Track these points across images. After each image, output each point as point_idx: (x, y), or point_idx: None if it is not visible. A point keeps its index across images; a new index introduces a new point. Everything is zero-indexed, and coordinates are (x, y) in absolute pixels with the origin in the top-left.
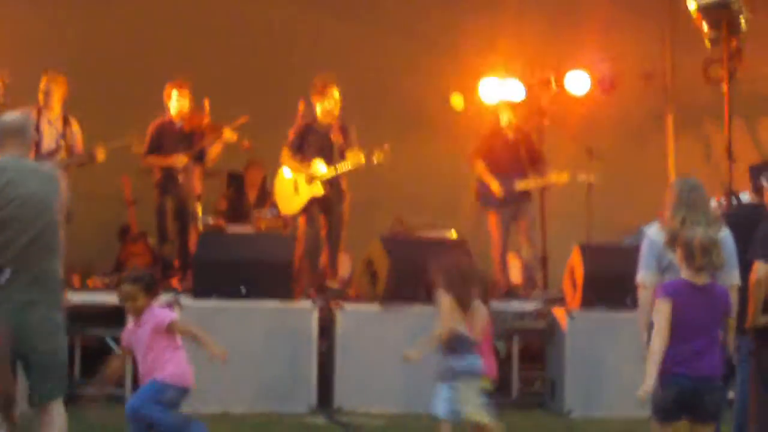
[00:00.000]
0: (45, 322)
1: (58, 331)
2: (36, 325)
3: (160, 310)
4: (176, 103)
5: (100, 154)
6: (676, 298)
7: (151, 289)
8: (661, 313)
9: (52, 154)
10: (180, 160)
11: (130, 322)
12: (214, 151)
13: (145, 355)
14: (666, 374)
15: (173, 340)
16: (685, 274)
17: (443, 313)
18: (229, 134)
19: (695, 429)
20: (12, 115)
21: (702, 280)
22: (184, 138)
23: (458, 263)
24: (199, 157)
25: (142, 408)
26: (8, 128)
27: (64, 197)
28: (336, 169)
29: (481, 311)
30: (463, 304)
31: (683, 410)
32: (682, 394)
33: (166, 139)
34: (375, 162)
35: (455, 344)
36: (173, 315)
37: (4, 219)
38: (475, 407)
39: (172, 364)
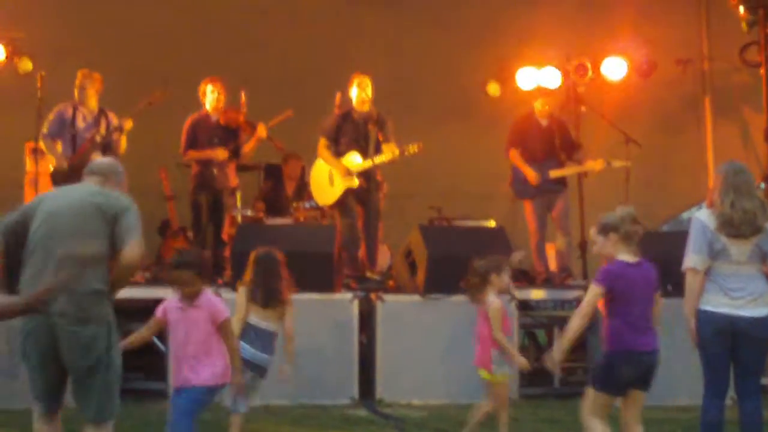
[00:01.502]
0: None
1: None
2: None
3: (216, 300)
4: (210, 97)
5: (127, 124)
6: (616, 282)
7: (206, 273)
8: (593, 296)
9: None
10: (220, 153)
11: (176, 299)
12: (248, 146)
13: (192, 336)
14: (624, 351)
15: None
16: (622, 255)
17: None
18: (261, 131)
19: (638, 397)
20: (102, 159)
21: (635, 257)
22: (220, 132)
23: (267, 258)
24: (235, 152)
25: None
26: (92, 167)
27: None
28: (373, 160)
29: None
30: (265, 298)
31: (636, 383)
32: (642, 370)
33: (202, 132)
34: (407, 154)
35: (243, 335)
36: (227, 313)
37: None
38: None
39: (220, 359)
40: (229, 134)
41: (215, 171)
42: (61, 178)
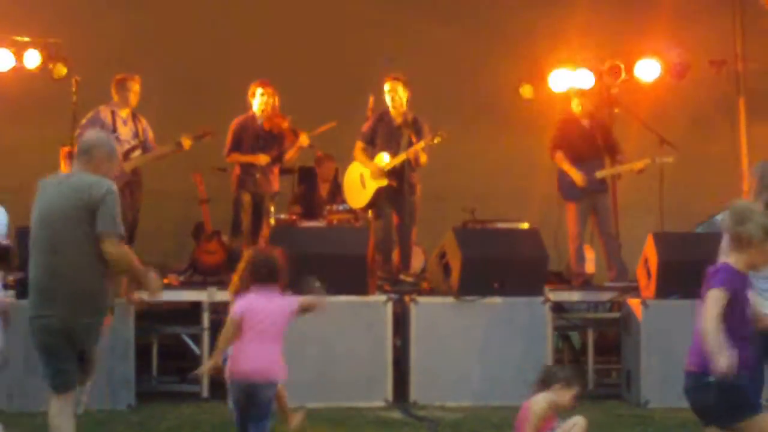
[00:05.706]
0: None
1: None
2: None
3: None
4: (259, 99)
5: (186, 142)
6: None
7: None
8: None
9: (128, 152)
10: (262, 159)
11: (258, 294)
12: (289, 154)
13: (269, 333)
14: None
15: None
16: (733, 260)
17: None
18: (304, 140)
19: None
20: (87, 135)
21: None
22: (265, 136)
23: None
24: (278, 158)
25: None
26: (79, 147)
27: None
28: (406, 153)
29: None
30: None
31: None
32: None
33: (247, 136)
34: (430, 144)
35: None
36: None
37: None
38: None
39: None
40: (273, 139)
41: (258, 176)
42: None
